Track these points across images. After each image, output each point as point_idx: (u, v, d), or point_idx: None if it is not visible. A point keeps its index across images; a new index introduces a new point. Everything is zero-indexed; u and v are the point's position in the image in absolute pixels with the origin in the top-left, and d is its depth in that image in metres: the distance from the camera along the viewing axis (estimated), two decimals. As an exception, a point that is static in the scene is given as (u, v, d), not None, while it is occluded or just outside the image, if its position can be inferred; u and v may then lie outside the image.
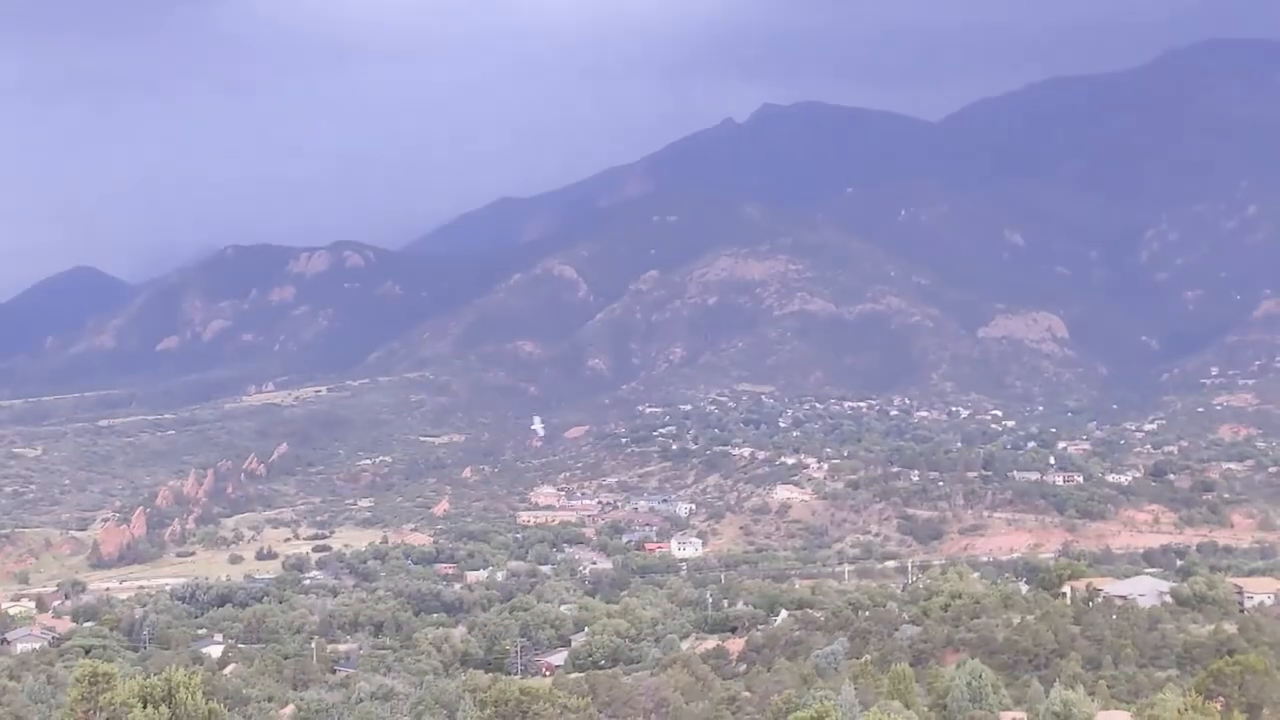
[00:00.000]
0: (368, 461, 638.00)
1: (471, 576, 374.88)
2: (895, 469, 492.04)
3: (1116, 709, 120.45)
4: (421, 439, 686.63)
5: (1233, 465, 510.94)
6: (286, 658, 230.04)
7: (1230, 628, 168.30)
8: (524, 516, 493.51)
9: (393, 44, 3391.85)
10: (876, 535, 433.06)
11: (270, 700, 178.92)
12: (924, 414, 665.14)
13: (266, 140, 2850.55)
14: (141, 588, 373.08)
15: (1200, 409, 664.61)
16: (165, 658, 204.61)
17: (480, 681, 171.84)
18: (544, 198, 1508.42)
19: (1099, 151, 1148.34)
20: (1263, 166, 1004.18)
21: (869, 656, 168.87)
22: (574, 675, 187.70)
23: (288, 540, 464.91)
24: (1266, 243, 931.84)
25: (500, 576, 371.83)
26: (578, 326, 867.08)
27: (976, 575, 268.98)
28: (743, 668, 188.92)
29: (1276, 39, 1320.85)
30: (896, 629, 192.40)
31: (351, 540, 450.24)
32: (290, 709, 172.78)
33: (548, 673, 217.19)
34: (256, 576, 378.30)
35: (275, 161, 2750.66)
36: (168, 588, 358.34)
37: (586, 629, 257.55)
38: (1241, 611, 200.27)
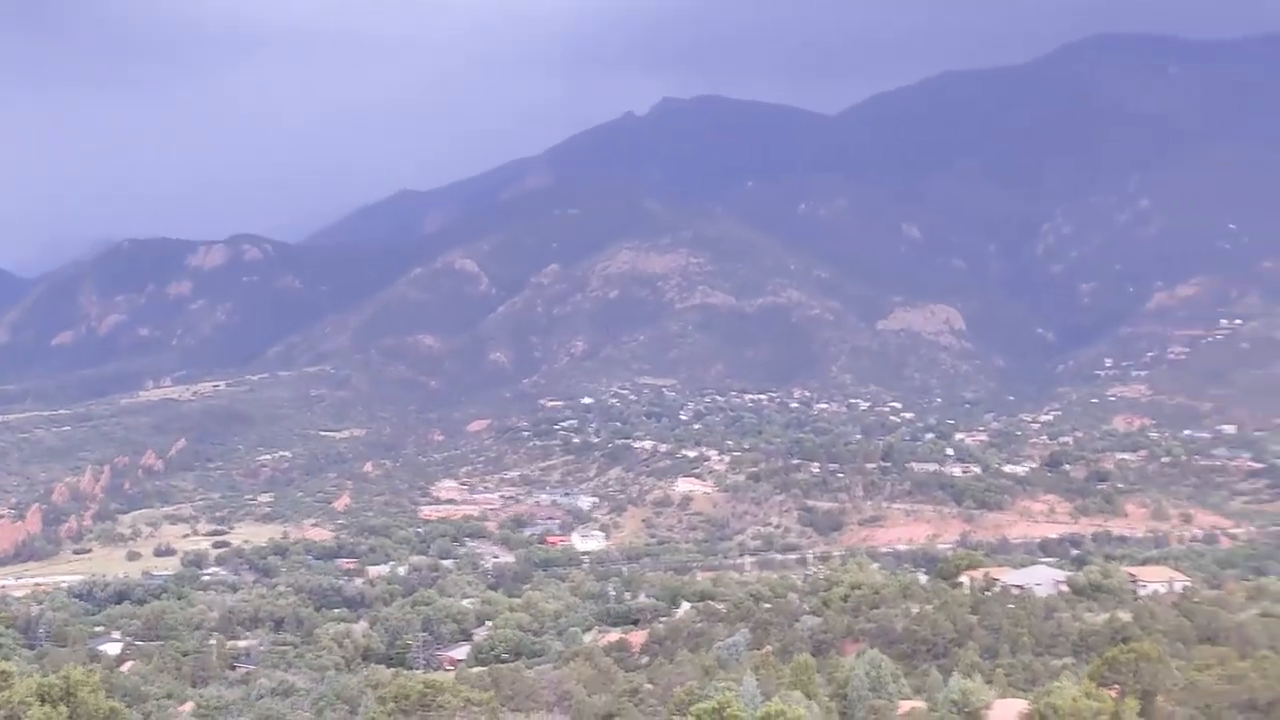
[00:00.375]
0: (268, 456, 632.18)
1: (373, 571, 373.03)
2: (796, 461, 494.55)
3: (1013, 697, 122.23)
4: (322, 434, 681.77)
5: (1126, 455, 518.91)
6: (185, 655, 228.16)
7: (1124, 616, 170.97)
8: (426, 511, 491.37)
9: (290, 37, 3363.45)
10: (777, 527, 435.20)
11: (169, 697, 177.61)
12: (824, 406, 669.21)
13: (163, 133, 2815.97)
14: (38, 585, 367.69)
15: (1095, 400, 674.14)
16: (62, 655, 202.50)
17: (382, 676, 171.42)
18: (444, 190, 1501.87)
19: (994, 145, 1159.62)
20: (1154, 160, 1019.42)
21: (770, 647, 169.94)
22: (477, 669, 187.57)
23: (186, 536, 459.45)
24: (1158, 235, 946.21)
25: (402, 571, 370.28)
26: (479, 320, 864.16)
27: (876, 566, 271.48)
28: (645, 660, 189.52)
29: (1166, 33, 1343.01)
30: (797, 620, 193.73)
31: (251, 536, 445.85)
32: (190, 706, 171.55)
33: (450, 667, 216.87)
34: (155, 573, 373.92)
35: (172, 155, 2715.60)
36: (64, 585, 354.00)
37: (489, 623, 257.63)
38: (1135, 600, 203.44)
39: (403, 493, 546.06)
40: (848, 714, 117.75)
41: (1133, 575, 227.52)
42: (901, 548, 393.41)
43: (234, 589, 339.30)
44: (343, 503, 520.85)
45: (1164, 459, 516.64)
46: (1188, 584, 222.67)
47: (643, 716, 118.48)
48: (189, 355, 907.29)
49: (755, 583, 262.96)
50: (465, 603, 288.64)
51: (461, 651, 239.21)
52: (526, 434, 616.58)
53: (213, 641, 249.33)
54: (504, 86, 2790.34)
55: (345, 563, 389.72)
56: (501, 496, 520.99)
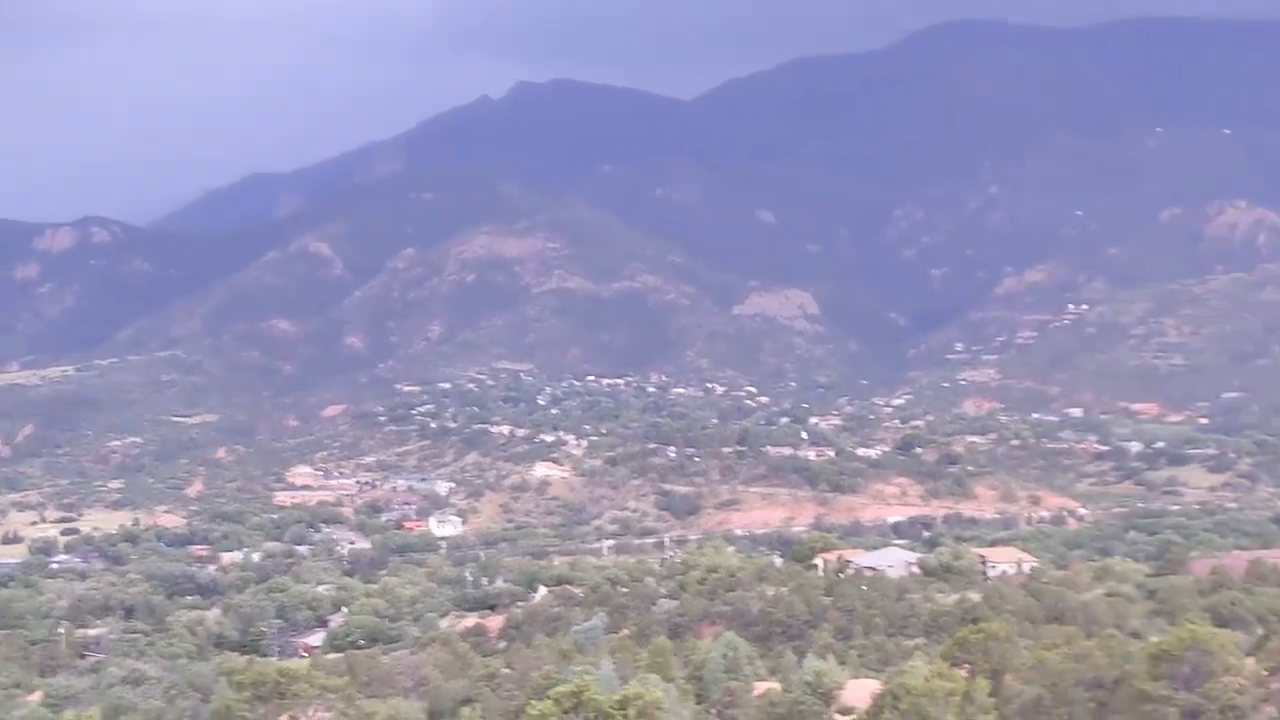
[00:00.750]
0: (118, 442, 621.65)
1: (226, 558, 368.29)
2: (652, 445, 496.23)
3: (866, 677, 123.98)
4: (173, 419, 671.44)
5: (976, 438, 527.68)
6: (33, 643, 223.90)
7: (975, 597, 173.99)
8: (280, 497, 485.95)
9: (139, 16, 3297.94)
10: (634, 511, 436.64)
11: (17, 687, 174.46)
12: (680, 391, 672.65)
13: (6, 115, 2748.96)
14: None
15: (946, 384, 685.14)
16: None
17: (236, 664, 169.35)
18: (297, 174, 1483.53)
19: (847, 131, 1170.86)
20: (1003, 146, 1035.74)
21: (627, 631, 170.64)
22: (332, 655, 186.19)
23: (34, 523, 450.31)
24: (1007, 221, 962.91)
25: (256, 558, 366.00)
26: (334, 304, 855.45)
27: (732, 549, 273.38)
28: (502, 645, 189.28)
29: (1014, 20, 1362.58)
30: (654, 603, 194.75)
31: (101, 523, 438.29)
32: (38, 695, 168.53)
33: (305, 654, 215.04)
34: (1, 561, 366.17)
35: (16, 136, 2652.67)
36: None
37: (345, 609, 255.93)
38: (985, 581, 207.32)
39: (256, 479, 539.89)
40: (704, 696, 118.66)
41: (982, 556, 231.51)
42: (757, 531, 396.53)
43: (83, 577, 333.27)
44: (195, 489, 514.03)
45: (1013, 442, 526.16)
46: (1035, 565, 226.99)
47: (500, 701, 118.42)
48: (36, 339, 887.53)
49: (612, 567, 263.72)
50: (320, 589, 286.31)
51: (317, 638, 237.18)
52: (383, 419, 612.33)
53: (61, 630, 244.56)
54: (356, 69, 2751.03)
55: (198, 549, 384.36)
56: (357, 482, 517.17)
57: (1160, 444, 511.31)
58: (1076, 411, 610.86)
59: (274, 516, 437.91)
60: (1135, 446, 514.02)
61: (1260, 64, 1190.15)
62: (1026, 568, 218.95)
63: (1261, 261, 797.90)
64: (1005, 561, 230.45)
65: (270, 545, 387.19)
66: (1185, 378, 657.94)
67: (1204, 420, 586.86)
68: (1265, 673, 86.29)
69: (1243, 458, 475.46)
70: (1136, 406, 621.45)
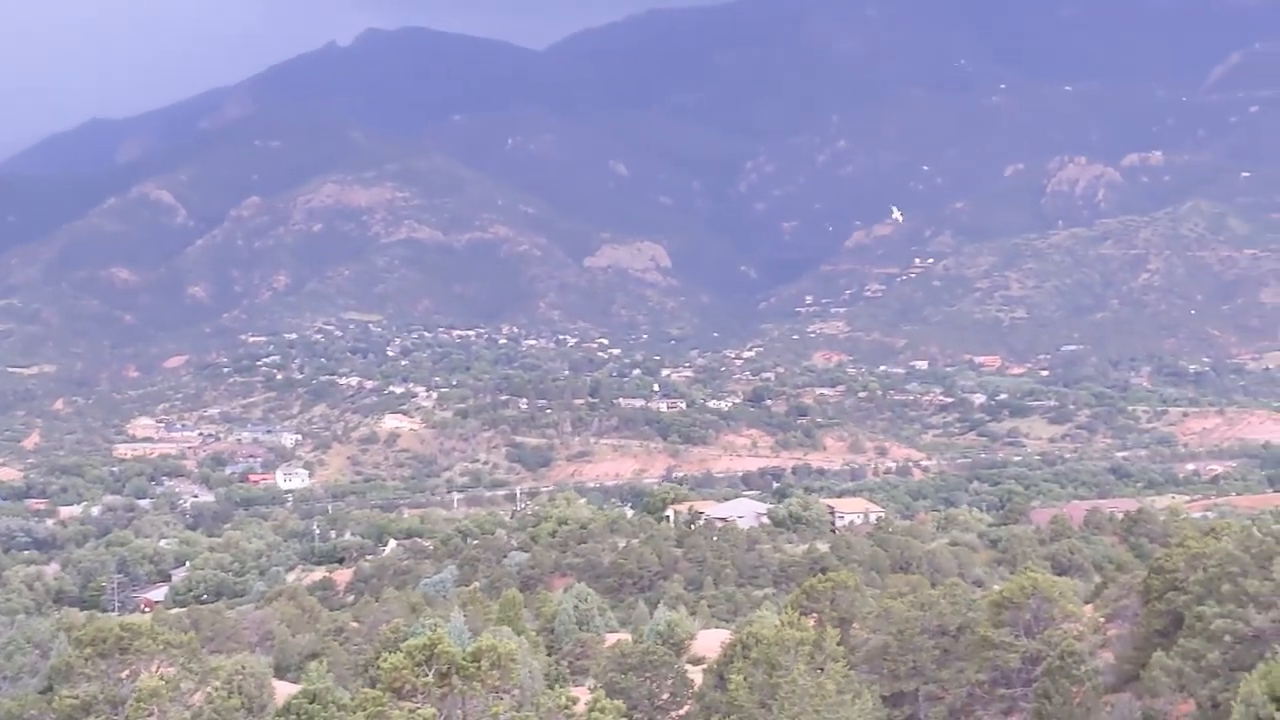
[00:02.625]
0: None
1: (65, 512, 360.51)
2: (504, 397, 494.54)
3: (717, 627, 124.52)
4: (9, 370, 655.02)
5: (825, 390, 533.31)
6: None
7: (823, 547, 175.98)
8: (121, 449, 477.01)
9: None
10: (486, 463, 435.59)
11: None
12: (532, 342, 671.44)
13: None
14: None
15: (796, 336, 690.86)
16: None
17: (75, 619, 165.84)
18: (139, 119, 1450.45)
19: (700, 84, 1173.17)
20: (853, 101, 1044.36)
21: (478, 584, 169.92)
22: (175, 611, 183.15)
23: None
24: (856, 176, 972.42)
25: (95, 512, 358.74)
26: (177, 253, 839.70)
27: (584, 501, 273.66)
28: (350, 598, 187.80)
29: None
30: (505, 556, 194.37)
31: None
32: None
33: (147, 609, 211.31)
34: None
35: None
36: None
37: (188, 563, 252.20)
38: (833, 531, 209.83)
39: (96, 431, 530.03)
40: (555, 647, 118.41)
41: (831, 507, 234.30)
42: (609, 483, 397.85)
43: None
44: (32, 441, 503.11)
45: (861, 394, 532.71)
46: (882, 515, 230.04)
47: (348, 655, 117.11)
48: None
49: (463, 519, 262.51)
50: (163, 543, 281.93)
51: (159, 593, 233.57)
52: (227, 370, 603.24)
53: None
54: (200, 13, 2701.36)
55: (35, 503, 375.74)
56: (201, 434, 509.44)
57: (1003, 396, 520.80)
58: (923, 364, 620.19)
59: (114, 469, 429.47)
60: (979, 398, 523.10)
61: (1099, 23, 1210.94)
62: (873, 518, 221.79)
63: (1100, 217, 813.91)
64: (853, 512, 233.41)
65: (110, 499, 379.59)
66: (1027, 330, 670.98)
67: (1045, 372, 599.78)
68: (1102, 619, 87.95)
69: (1081, 409, 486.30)
70: (980, 359, 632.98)
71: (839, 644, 66.65)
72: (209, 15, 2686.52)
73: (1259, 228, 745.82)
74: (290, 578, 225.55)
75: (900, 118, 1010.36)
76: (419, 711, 54.61)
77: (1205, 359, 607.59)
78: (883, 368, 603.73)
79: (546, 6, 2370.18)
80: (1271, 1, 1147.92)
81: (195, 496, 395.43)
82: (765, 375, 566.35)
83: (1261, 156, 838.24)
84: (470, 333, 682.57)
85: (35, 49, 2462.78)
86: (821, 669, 64.00)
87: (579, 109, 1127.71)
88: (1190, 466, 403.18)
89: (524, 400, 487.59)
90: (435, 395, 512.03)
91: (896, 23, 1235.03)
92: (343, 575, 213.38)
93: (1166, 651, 69.80)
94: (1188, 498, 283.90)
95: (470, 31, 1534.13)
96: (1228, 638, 65.69)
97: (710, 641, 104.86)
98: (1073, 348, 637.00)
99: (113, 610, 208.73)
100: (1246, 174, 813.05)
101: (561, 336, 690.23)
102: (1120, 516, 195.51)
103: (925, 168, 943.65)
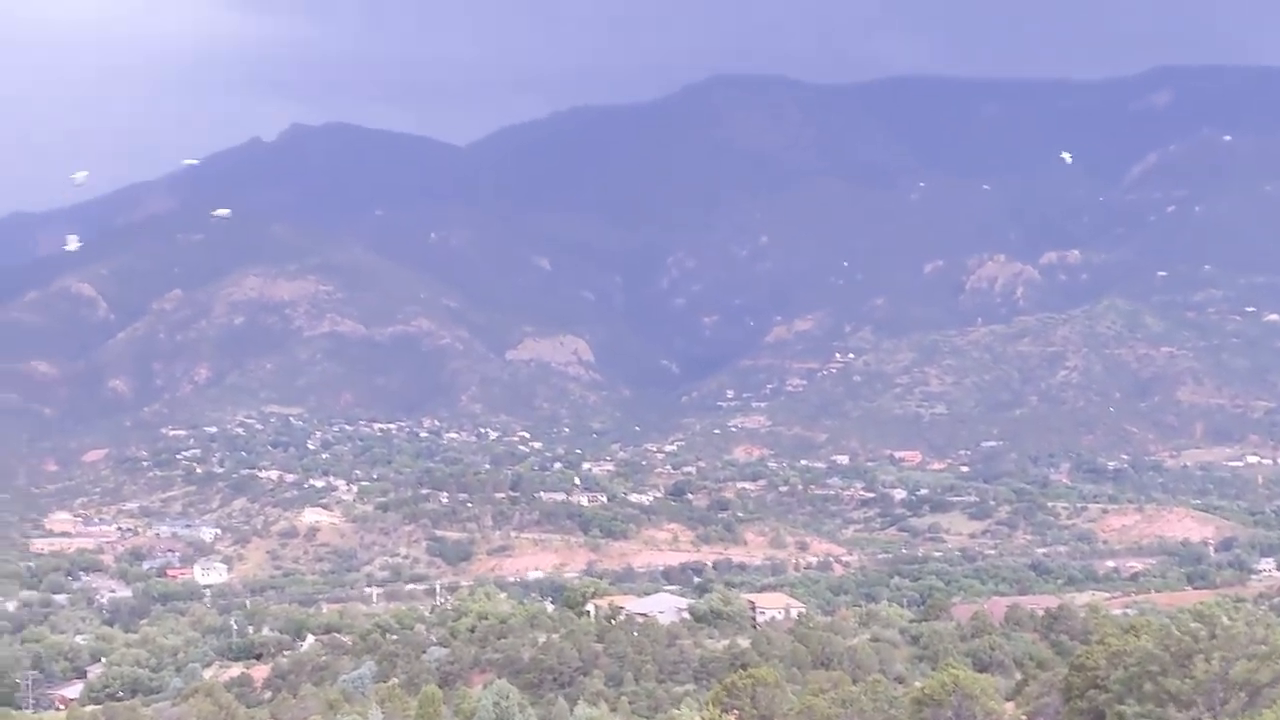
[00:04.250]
0: None
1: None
2: (425, 491, 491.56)
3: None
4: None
5: (747, 484, 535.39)
6: None
7: (744, 642, 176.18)
8: (37, 544, 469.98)
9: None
10: (406, 557, 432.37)
11: None
12: (454, 435, 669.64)
13: None
14: None
15: (717, 430, 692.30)
16: None
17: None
18: (60, 213, 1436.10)
19: (621, 180, 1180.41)
20: (773, 197, 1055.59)
21: (397, 680, 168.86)
22: (90, 708, 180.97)
23: None
24: (775, 271, 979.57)
25: (11, 607, 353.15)
26: (97, 346, 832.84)
27: (504, 596, 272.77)
28: (268, 695, 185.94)
29: (789, 75, 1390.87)
30: (425, 651, 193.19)
31: None
32: None
33: (62, 706, 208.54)
34: None
35: None
36: None
37: (104, 659, 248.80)
38: (754, 626, 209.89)
39: (13, 525, 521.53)
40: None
41: (752, 602, 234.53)
42: (530, 577, 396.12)
43: None
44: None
45: (782, 488, 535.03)
46: (803, 610, 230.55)
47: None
48: None
49: (382, 614, 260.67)
50: (79, 639, 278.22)
51: (75, 690, 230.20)
52: (146, 464, 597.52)
53: None
54: (123, 109, 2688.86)
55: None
56: (119, 529, 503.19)
57: (924, 491, 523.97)
58: (844, 458, 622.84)
59: (30, 564, 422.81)
60: (900, 493, 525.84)
61: (1018, 122, 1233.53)
62: (794, 613, 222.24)
63: (1019, 314, 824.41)
64: (774, 607, 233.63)
65: (26, 594, 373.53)
66: (947, 426, 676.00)
67: (965, 468, 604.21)
68: (1024, 716, 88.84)
69: (1001, 505, 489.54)
70: (901, 454, 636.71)
71: (758, 740, 67.06)
72: (132, 112, 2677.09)
73: (1174, 325, 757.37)
74: (207, 674, 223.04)
75: (820, 214, 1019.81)
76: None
77: (1124, 456, 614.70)
78: (804, 462, 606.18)
79: (468, 104, 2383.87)
80: (1187, 103, 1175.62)
81: (112, 591, 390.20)
82: (686, 469, 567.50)
83: (1177, 255, 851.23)
84: (392, 426, 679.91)
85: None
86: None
87: (501, 204, 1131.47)
88: (1110, 563, 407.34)
89: (445, 494, 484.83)
90: (356, 489, 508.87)
91: (816, 119, 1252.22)
92: (260, 671, 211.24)
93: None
94: (1108, 595, 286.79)
95: (393, 127, 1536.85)
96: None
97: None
98: (992, 444, 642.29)
99: (27, 708, 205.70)
100: (1163, 273, 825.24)
101: (483, 430, 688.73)
102: (1041, 613, 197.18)
103: (845, 263, 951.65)
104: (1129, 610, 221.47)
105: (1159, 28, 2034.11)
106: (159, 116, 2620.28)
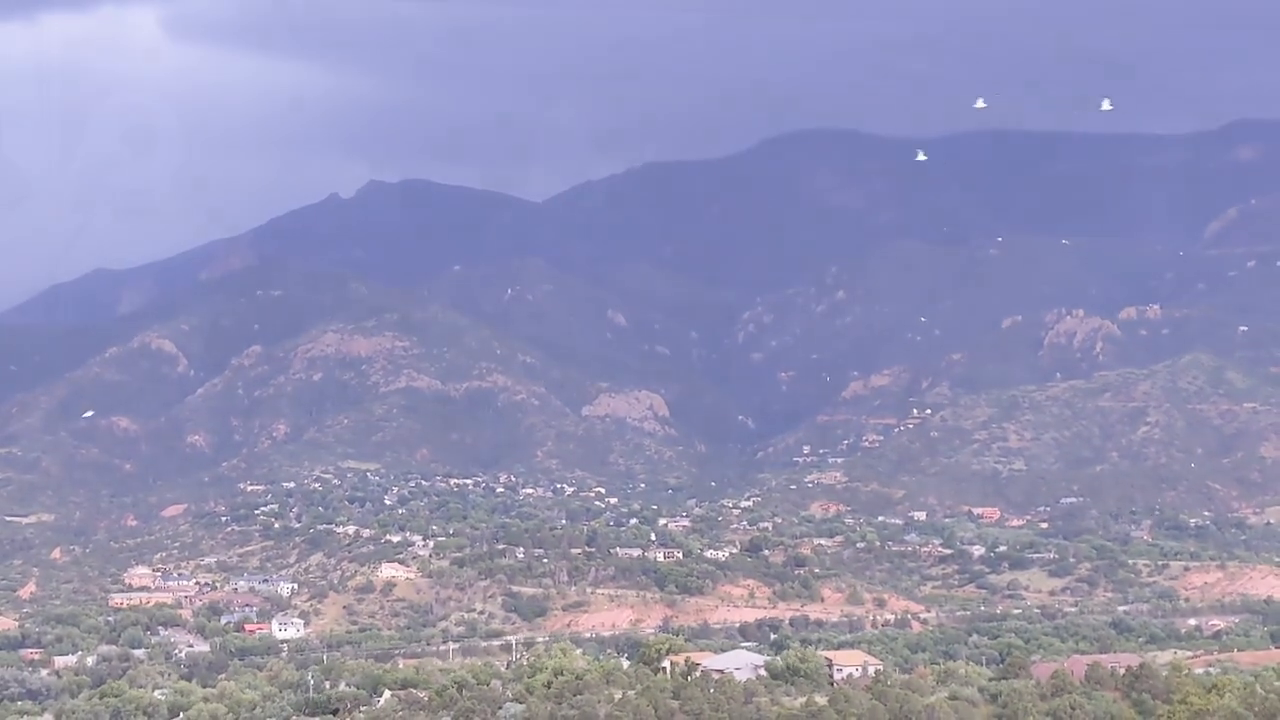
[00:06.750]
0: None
1: (60, 662, 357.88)
2: (501, 546, 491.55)
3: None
4: (7, 519, 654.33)
5: (823, 541, 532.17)
6: None
7: (821, 699, 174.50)
8: (117, 599, 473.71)
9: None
10: (481, 613, 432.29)
11: None
12: (529, 491, 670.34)
13: None
14: None
15: (793, 486, 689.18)
16: None
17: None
18: (142, 269, 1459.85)
19: (698, 235, 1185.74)
20: (851, 252, 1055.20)
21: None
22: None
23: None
24: (853, 326, 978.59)
25: (91, 661, 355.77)
26: (177, 402, 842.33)
27: (580, 652, 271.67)
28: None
29: (863, 130, 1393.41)
30: (500, 707, 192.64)
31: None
32: None
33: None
34: None
35: None
36: None
37: (182, 714, 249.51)
38: (831, 683, 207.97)
39: (93, 580, 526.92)
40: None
41: (829, 659, 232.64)
42: (605, 633, 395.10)
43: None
44: (28, 590, 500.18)
45: (859, 544, 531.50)
46: (880, 667, 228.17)
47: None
48: None
49: (458, 669, 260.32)
50: (157, 694, 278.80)
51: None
52: (225, 519, 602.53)
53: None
54: (204, 167, 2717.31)
55: (29, 653, 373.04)
56: (197, 583, 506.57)
57: (1002, 548, 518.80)
58: (921, 515, 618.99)
59: (110, 619, 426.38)
60: (978, 550, 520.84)
61: (1097, 177, 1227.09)
62: (872, 670, 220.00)
63: (1098, 369, 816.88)
64: (851, 664, 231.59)
65: (105, 649, 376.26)
66: (1026, 482, 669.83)
67: (1044, 525, 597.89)
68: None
69: (1082, 562, 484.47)
70: (979, 510, 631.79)
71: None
72: (213, 170, 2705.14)
73: (1258, 381, 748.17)
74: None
75: (897, 269, 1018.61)
76: None
77: (1206, 513, 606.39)
78: (881, 518, 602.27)
79: (548, 160, 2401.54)
80: (1268, 158, 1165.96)
81: (190, 646, 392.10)
82: (763, 525, 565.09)
83: (1259, 310, 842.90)
84: (468, 481, 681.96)
85: (39, 199, 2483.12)
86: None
87: (577, 260, 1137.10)
88: (1192, 621, 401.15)
89: (520, 549, 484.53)
90: (432, 544, 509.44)
91: (893, 176, 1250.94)
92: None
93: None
94: (1190, 653, 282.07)
95: (470, 184, 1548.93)
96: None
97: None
98: (1072, 500, 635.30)
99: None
100: (1244, 328, 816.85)
101: (559, 485, 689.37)
102: (1122, 672, 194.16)
103: (922, 319, 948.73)
104: (1212, 669, 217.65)
105: (1239, 81, 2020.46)
106: (239, 175, 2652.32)
